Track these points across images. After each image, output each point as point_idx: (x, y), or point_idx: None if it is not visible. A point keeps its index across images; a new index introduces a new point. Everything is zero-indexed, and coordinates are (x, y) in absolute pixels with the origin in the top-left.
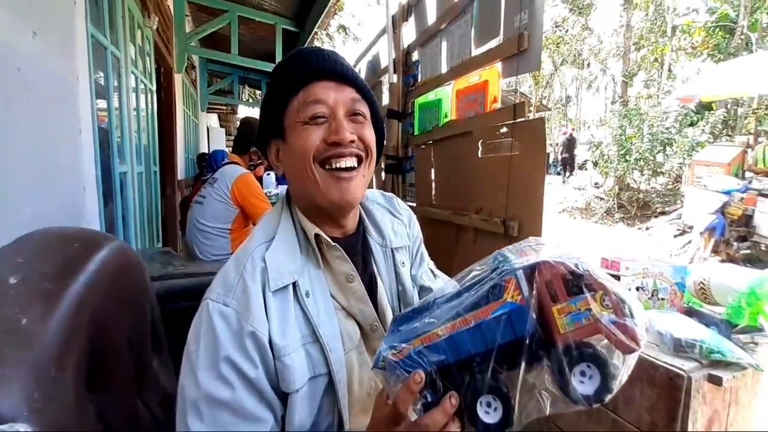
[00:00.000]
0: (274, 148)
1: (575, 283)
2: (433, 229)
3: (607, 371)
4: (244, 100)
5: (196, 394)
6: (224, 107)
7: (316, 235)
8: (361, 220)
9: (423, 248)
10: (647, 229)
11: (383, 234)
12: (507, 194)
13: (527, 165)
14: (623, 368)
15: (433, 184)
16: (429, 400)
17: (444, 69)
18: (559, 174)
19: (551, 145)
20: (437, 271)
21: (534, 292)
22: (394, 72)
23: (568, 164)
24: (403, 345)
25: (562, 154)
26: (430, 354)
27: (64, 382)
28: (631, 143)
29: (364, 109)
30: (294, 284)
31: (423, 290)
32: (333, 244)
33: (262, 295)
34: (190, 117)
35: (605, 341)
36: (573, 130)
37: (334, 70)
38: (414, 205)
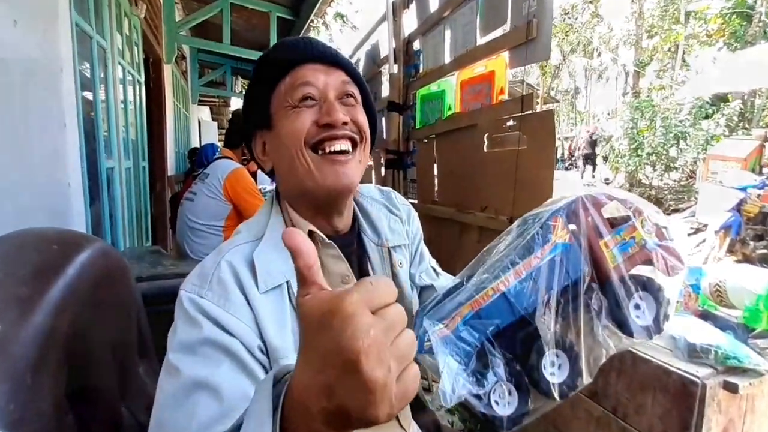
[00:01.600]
0: (260, 142)
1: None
2: (435, 227)
3: (662, 298)
4: (237, 92)
5: (174, 387)
6: (216, 99)
7: (310, 232)
8: (355, 218)
9: (423, 246)
10: None
11: (379, 232)
12: (514, 191)
13: (535, 160)
14: (673, 292)
15: (436, 181)
16: (479, 382)
17: (447, 59)
18: (568, 169)
19: (560, 138)
20: (440, 269)
21: (582, 227)
22: (395, 62)
23: (590, 160)
24: (447, 319)
25: (583, 150)
26: (481, 320)
27: (41, 392)
28: (643, 137)
29: (355, 91)
30: (287, 284)
31: (424, 290)
32: (328, 241)
33: (242, 294)
34: (181, 110)
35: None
36: (596, 129)
37: (322, 52)
38: (415, 202)
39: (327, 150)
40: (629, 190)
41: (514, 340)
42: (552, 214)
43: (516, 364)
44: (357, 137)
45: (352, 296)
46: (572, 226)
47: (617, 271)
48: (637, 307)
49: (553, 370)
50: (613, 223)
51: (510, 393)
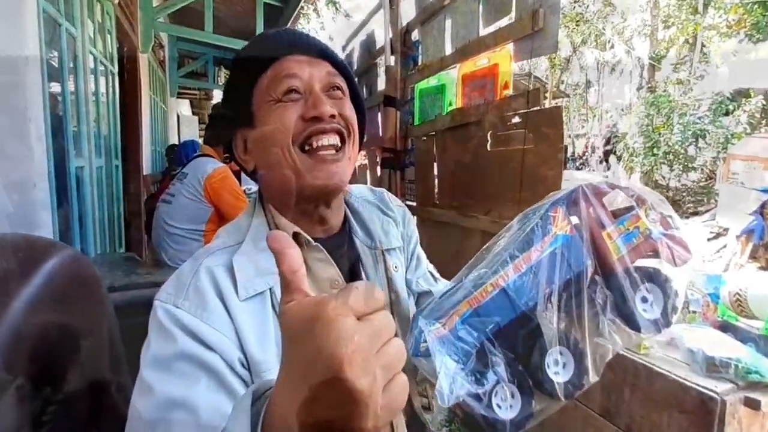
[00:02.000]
0: (241, 140)
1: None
2: (434, 232)
3: (670, 289)
4: (219, 84)
5: (147, 407)
6: (197, 92)
7: (295, 235)
8: (346, 219)
9: (419, 249)
10: None
11: (372, 234)
12: (520, 192)
13: (543, 159)
14: (681, 284)
15: (436, 181)
16: (479, 381)
17: (448, 50)
18: (579, 168)
19: (570, 136)
20: (437, 275)
21: (584, 217)
22: (392, 53)
23: (608, 159)
24: (445, 318)
25: (604, 146)
26: (480, 318)
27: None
28: (659, 134)
29: (342, 83)
30: (270, 291)
31: (421, 297)
32: (314, 244)
33: (222, 303)
34: (158, 103)
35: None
36: (610, 126)
37: (306, 43)
38: (413, 204)
39: (314, 145)
40: None
41: (515, 338)
42: (552, 204)
43: (518, 363)
44: (345, 131)
45: (336, 301)
46: (573, 217)
47: (621, 262)
48: (644, 300)
49: (557, 369)
50: (616, 213)
51: (512, 395)
